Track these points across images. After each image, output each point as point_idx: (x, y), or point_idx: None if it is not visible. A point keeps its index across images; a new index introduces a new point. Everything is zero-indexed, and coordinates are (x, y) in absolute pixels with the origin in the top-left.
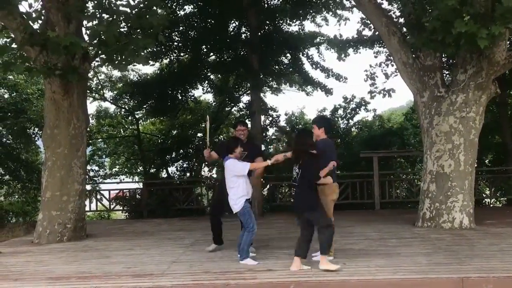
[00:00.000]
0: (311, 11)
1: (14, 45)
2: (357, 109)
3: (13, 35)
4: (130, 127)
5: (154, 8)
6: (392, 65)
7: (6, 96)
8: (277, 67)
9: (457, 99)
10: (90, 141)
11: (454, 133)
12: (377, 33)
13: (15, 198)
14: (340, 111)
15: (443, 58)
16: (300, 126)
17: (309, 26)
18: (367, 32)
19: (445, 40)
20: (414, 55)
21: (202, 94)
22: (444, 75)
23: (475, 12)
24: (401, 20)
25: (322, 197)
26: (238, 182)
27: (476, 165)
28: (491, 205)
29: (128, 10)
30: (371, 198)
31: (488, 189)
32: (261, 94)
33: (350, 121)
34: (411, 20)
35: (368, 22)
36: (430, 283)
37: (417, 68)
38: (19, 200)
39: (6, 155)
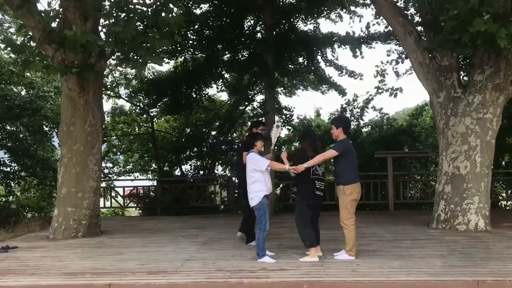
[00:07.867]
0: (325, 8)
1: (32, 43)
2: (365, 108)
3: (31, 33)
4: (145, 125)
5: (170, 6)
6: (403, 63)
7: (23, 93)
8: (292, 66)
9: (474, 100)
10: (105, 138)
11: (471, 134)
12: (388, 28)
13: (31, 194)
14: (348, 111)
15: (460, 59)
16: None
17: (324, 27)
18: (376, 27)
19: (461, 40)
20: (430, 55)
21: (217, 92)
22: (461, 75)
23: (494, 11)
24: (417, 18)
25: (343, 197)
26: (258, 176)
27: (492, 167)
28: (507, 208)
29: (144, 8)
30: (385, 199)
31: (504, 191)
32: (275, 94)
33: (360, 121)
34: (428, 20)
35: (381, 18)
36: (445, 286)
37: (433, 68)
38: (35, 196)
39: (23, 152)
